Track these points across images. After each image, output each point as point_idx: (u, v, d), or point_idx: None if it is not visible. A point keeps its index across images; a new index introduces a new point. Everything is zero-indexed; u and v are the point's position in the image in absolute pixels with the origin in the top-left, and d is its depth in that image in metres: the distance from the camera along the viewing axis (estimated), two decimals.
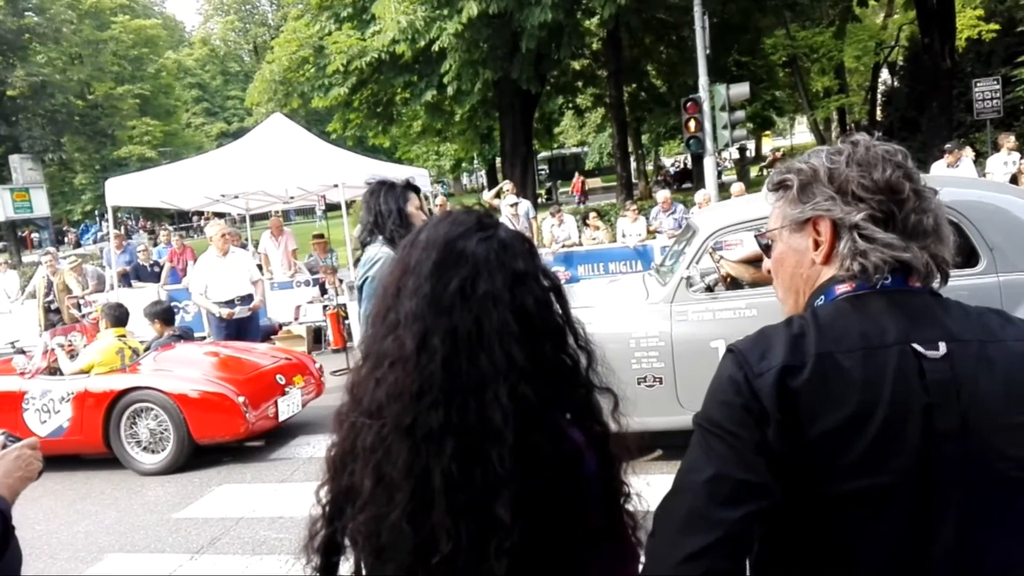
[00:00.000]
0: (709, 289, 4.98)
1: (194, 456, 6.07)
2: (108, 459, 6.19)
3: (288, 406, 6.44)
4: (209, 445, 6.11)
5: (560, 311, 1.16)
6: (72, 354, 6.62)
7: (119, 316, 6.73)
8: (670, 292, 5.04)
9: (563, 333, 1.15)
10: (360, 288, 3.65)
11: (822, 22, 26.55)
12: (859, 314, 1.13)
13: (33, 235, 38.09)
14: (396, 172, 12.90)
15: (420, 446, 1.05)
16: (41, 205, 23.00)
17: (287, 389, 6.48)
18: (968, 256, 4.53)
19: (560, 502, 1.06)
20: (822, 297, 1.20)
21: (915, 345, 1.08)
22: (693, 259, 5.06)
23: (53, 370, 6.52)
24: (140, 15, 41.94)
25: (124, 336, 6.60)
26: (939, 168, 11.44)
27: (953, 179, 7.94)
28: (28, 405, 6.26)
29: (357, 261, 5.28)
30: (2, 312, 12.42)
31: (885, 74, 32.15)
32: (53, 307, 10.96)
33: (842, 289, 1.18)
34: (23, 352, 6.75)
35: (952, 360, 1.08)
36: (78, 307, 10.59)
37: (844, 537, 1.08)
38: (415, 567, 1.05)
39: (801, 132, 48.91)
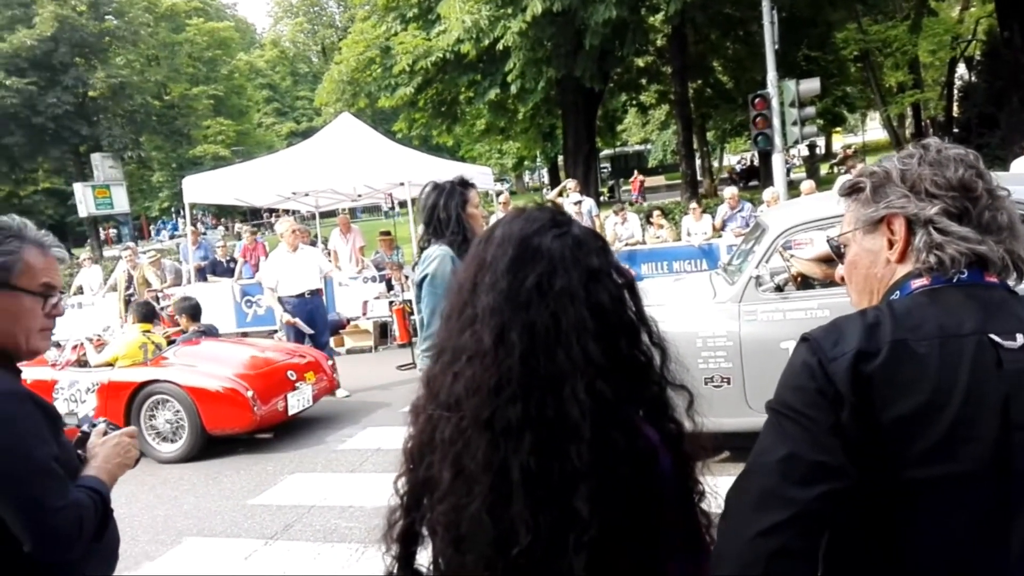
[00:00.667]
0: (779, 289, 4.91)
1: (265, 445, 6.29)
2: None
3: (298, 401, 6.78)
4: (221, 436, 6.47)
5: (634, 308, 1.17)
6: (100, 348, 7.04)
7: (145, 313, 7.17)
8: (738, 291, 4.99)
9: (637, 330, 1.16)
10: (419, 284, 3.66)
11: (895, 16, 25.72)
12: (935, 306, 1.13)
13: (110, 231, 39.69)
14: (460, 171, 13.04)
15: (499, 440, 1.07)
16: (121, 201, 23.88)
17: (297, 385, 6.80)
18: None
19: (635, 499, 1.06)
20: (897, 293, 1.21)
21: (992, 335, 1.09)
22: (762, 258, 4.99)
23: (82, 363, 6.96)
24: (213, 18, 43.24)
25: (149, 331, 6.98)
26: (1019, 166, 10.98)
27: None
28: (57, 394, 6.67)
29: None
30: (85, 304, 12.99)
31: (962, 69, 30.92)
32: (133, 300, 11.43)
33: (918, 283, 1.19)
34: (58, 345, 7.13)
35: None
36: (156, 300, 11.01)
37: (918, 524, 1.09)
38: (494, 558, 1.07)
39: (873, 129, 47.45)
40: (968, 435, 1.05)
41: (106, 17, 31.41)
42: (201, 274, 12.64)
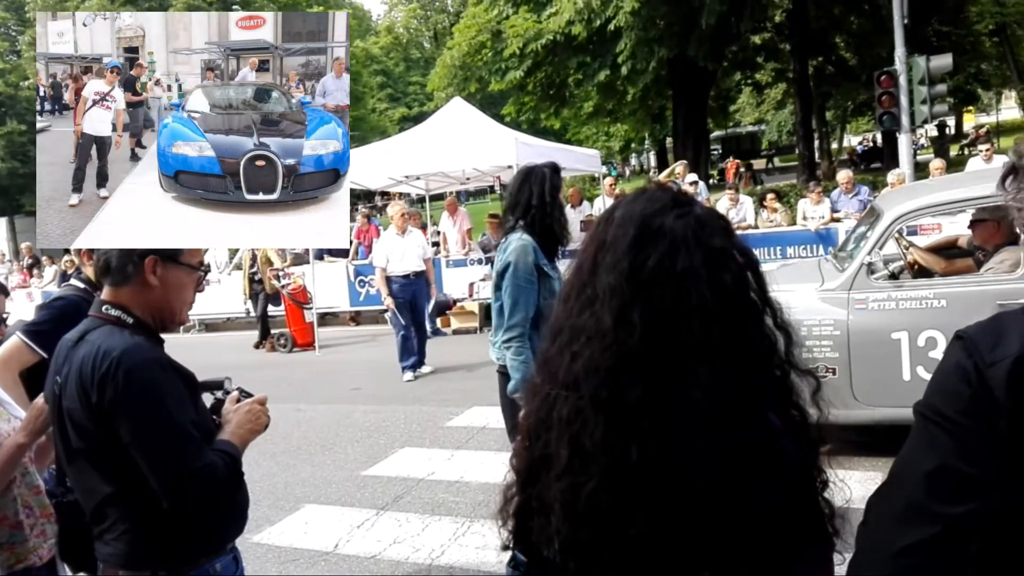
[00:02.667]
0: (893, 276, 4.67)
1: (377, 419, 6.53)
2: (301, 418, 6.78)
3: None
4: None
5: (757, 290, 1.14)
6: None
7: None
8: (848, 278, 4.79)
9: (760, 312, 1.13)
10: (501, 273, 3.54)
11: None
12: None
13: None
14: (567, 154, 13.02)
15: (617, 420, 1.06)
16: None
17: None
18: None
19: (757, 487, 1.04)
20: None
21: None
22: (876, 244, 4.77)
23: None
24: (332, 6, 44.64)
25: None
26: (975, 165, 10.03)
27: None
28: None
29: None
30: (212, 282, 13.81)
31: None
32: (257, 278, 12.06)
33: None
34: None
35: None
36: (278, 278, 11.58)
37: None
38: (611, 538, 1.07)
39: (1008, 108, 44.00)
40: None
41: (233, 7, 33.01)
42: (318, 254, 13.18)
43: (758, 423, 1.07)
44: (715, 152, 38.35)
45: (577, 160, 13.23)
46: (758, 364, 1.10)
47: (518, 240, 3.47)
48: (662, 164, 31.33)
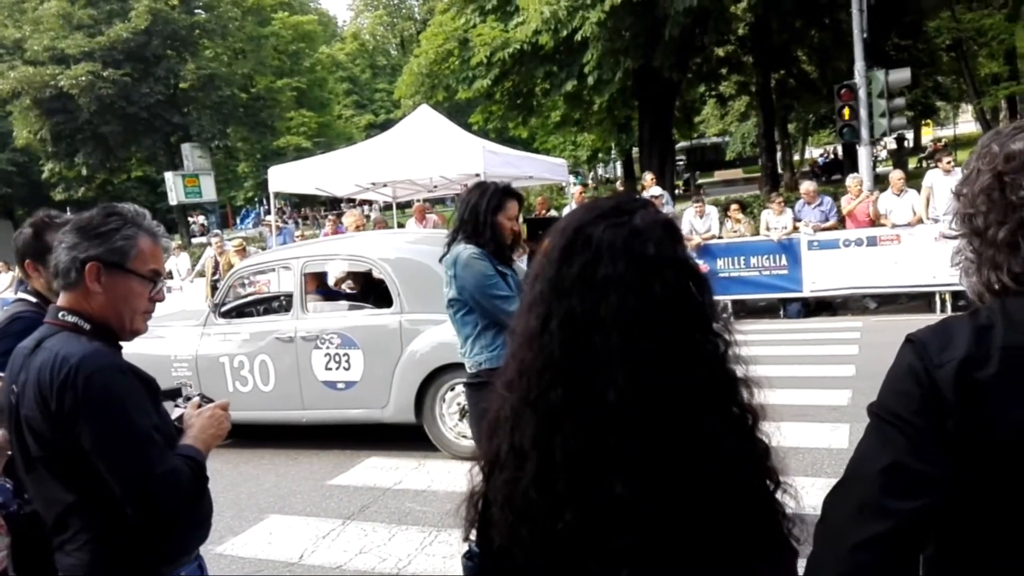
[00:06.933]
0: (228, 315, 6.89)
1: (343, 428, 6.46)
2: (268, 429, 6.68)
3: None
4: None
5: (697, 297, 1.15)
6: None
7: None
8: (204, 316, 6.57)
9: (697, 318, 1.14)
10: (459, 294, 3.63)
11: (992, 3, 24.43)
12: None
13: (198, 219, 41.19)
14: (535, 163, 13.07)
15: (543, 420, 1.12)
16: (209, 190, 24.71)
17: None
18: (387, 299, 6.10)
19: (694, 485, 1.06)
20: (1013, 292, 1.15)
21: None
22: (222, 291, 7.16)
23: None
24: (298, 11, 44.27)
25: None
26: (932, 178, 10.38)
27: (376, 239, 7.90)
28: None
29: None
30: (174, 289, 13.58)
31: None
32: (219, 285, 11.90)
33: None
34: None
35: None
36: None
37: None
38: (545, 532, 1.11)
39: (966, 122, 45.18)
40: None
41: (196, 11, 32.57)
42: None
43: (690, 424, 1.09)
44: (680, 163, 38.77)
45: (544, 169, 13.28)
46: (691, 367, 1.11)
47: (465, 251, 3.56)
48: (628, 173, 31.59)
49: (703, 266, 11.46)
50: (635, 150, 28.40)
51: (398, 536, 4.55)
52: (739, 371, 1.17)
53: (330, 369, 6.20)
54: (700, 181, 35.29)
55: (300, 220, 39.62)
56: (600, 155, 39.61)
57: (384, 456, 6.09)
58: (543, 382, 1.13)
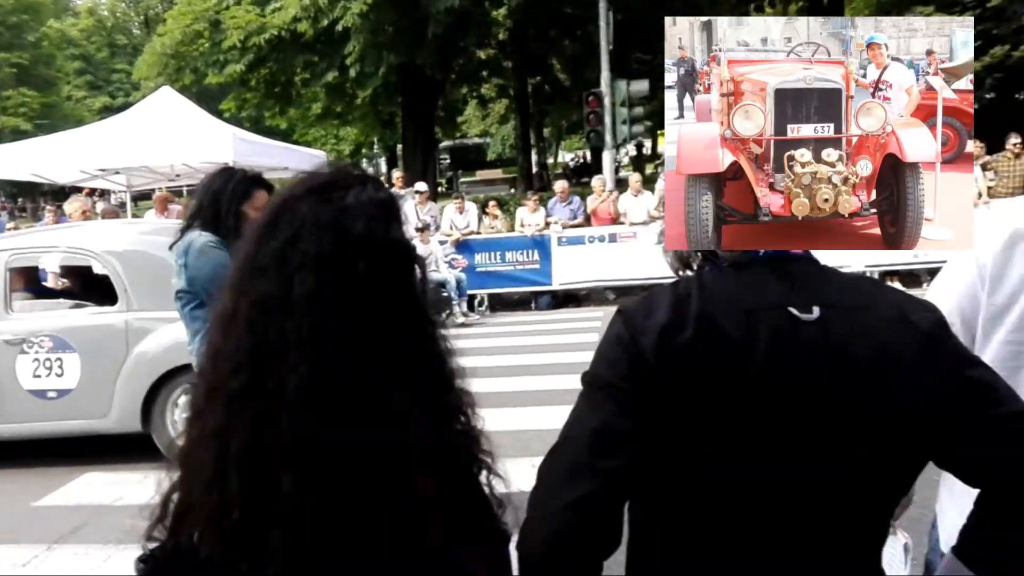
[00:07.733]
0: None
1: (54, 443, 5.71)
2: None
3: None
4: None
5: (406, 279, 1.08)
6: None
7: None
8: None
9: (405, 302, 1.07)
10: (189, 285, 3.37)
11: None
12: (742, 279, 1.17)
13: None
14: (292, 155, 12.54)
15: (225, 410, 1.02)
16: None
17: None
18: (111, 296, 5.53)
19: (369, 470, 1.00)
20: (708, 264, 1.24)
21: (791, 309, 1.11)
22: None
23: None
24: None
25: None
26: None
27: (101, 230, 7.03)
28: None
29: None
30: None
31: None
32: None
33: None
34: None
35: (825, 324, 1.11)
36: None
37: (717, 499, 1.12)
38: (212, 531, 1.01)
39: None
40: (767, 409, 1.08)
41: None
42: None
43: (376, 406, 1.01)
44: (444, 161, 39.35)
45: (302, 160, 12.75)
46: (388, 353, 1.03)
47: (200, 239, 3.26)
48: (392, 169, 31.46)
49: (461, 261, 11.81)
50: (399, 147, 28.36)
51: (115, 557, 4.07)
52: (448, 358, 1.11)
53: (39, 376, 5.51)
54: (463, 180, 36.08)
55: (17, 212, 35.09)
56: (364, 150, 39.11)
57: (103, 471, 5.44)
58: (226, 369, 1.02)
